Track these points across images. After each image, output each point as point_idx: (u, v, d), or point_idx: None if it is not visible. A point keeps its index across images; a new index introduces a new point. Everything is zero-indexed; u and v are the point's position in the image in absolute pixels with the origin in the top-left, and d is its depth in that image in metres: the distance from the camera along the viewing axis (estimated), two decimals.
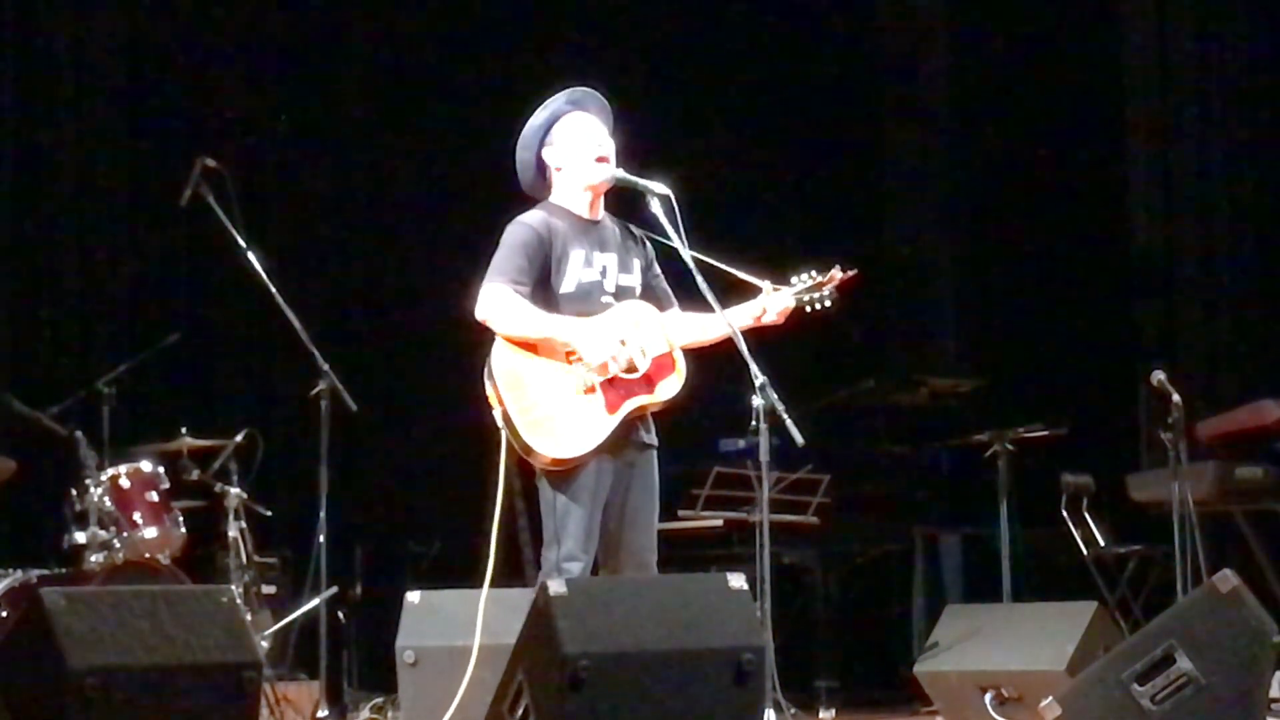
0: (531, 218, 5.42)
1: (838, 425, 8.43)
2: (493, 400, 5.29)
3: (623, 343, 5.34)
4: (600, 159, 5.44)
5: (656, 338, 5.38)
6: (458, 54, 9.72)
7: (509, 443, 5.28)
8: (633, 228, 5.56)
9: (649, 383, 5.36)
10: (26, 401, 7.54)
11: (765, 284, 5.48)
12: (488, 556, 5.41)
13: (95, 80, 8.76)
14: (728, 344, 5.34)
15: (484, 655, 5.42)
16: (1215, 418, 8.07)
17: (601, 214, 5.52)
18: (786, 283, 5.49)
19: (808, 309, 5.51)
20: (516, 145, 5.52)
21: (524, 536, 8.56)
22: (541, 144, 5.48)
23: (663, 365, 5.38)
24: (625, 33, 9.93)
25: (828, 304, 5.51)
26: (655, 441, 5.46)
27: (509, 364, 5.29)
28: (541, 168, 5.51)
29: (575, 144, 5.45)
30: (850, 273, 5.52)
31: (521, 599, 5.21)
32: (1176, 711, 5.14)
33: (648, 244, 5.56)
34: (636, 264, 5.51)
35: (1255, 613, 5.25)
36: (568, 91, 5.51)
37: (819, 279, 5.50)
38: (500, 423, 5.27)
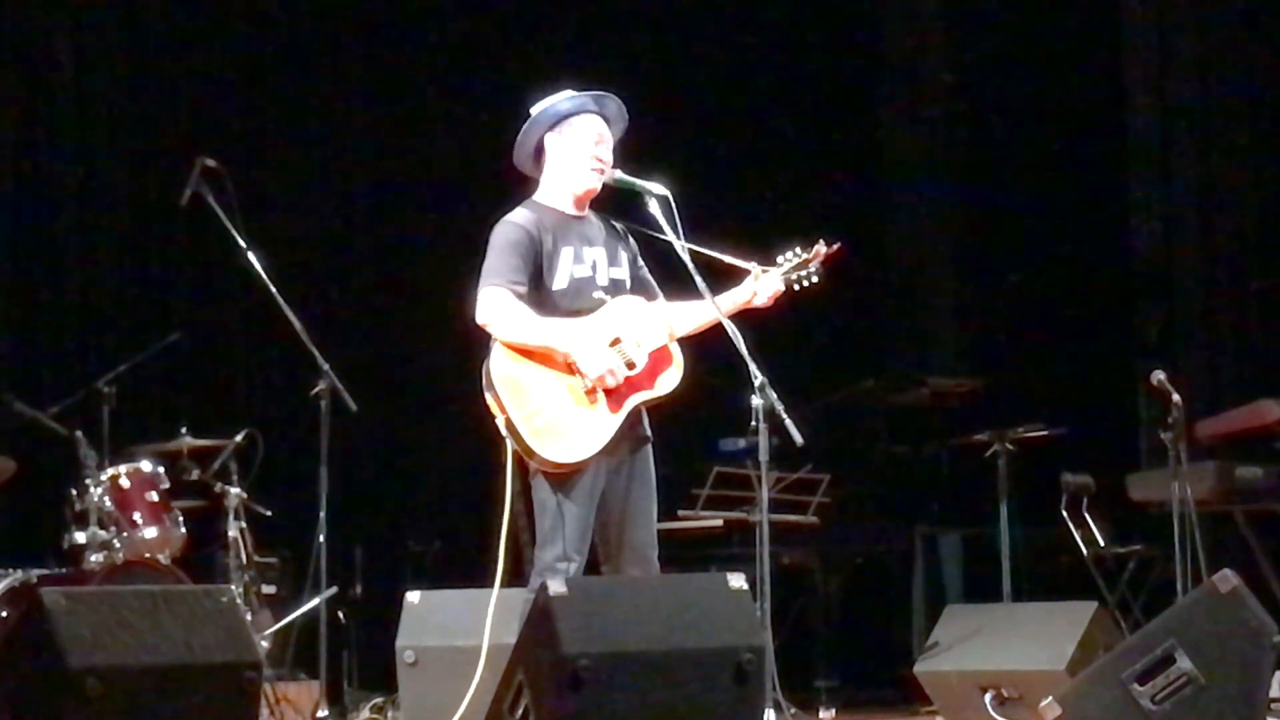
0: (519, 217, 5.42)
1: (838, 425, 8.43)
2: (494, 409, 5.28)
3: (618, 340, 5.35)
4: (596, 169, 5.44)
5: (651, 331, 5.39)
6: (457, 53, 9.72)
7: (512, 448, 5.29)
8: (614, 222, 5.57)
9: (648, 377, 5.37)
10: (26, 401, 7.54)
11: (753, 265, 5.49)
12: (497, 558, 5.40)
13: (95, 79, 8.76)
14: (727, 343, 5.34)
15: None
16: (1215, 418, 8.07)
17: (587, 210, 5.53)
18: (773, 263, 5.49)
19: (795, 287, 5.51)
20: (529, 119, 5.50)
21: (525, 537, 8.55)
22: (551, 129, 5.47)
23: (660, 358, 5.39)
24: (625, 31, 9.93)
25: (815, 280, 5.52)
26: (650, 435, 5.47)
27: (508, 371, 5.29)
28: (539, 150, 5.51)
29: (579, 146, 5.45)
30: (834, 246, 5.52)
31: (521, 599, 5.22)
32: (1176, 711, 5.14)
33: (631, 237, 5.57)
34: (624, 257, 5.53)
35: (1255, 613, 5.25)
36: (595, 94, 5.52)
37: (804, 256, 5.51)
38: (504, 431, 5.27)
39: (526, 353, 5.30)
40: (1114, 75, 9.57)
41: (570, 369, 5.29)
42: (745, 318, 5.46)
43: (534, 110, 5.51)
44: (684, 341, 5.46)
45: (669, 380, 5.39)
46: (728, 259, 5.47)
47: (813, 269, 5.51)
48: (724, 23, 10.17)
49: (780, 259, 5.51)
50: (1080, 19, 9.73)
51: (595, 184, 5.47)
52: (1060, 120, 9.78)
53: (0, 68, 8.53)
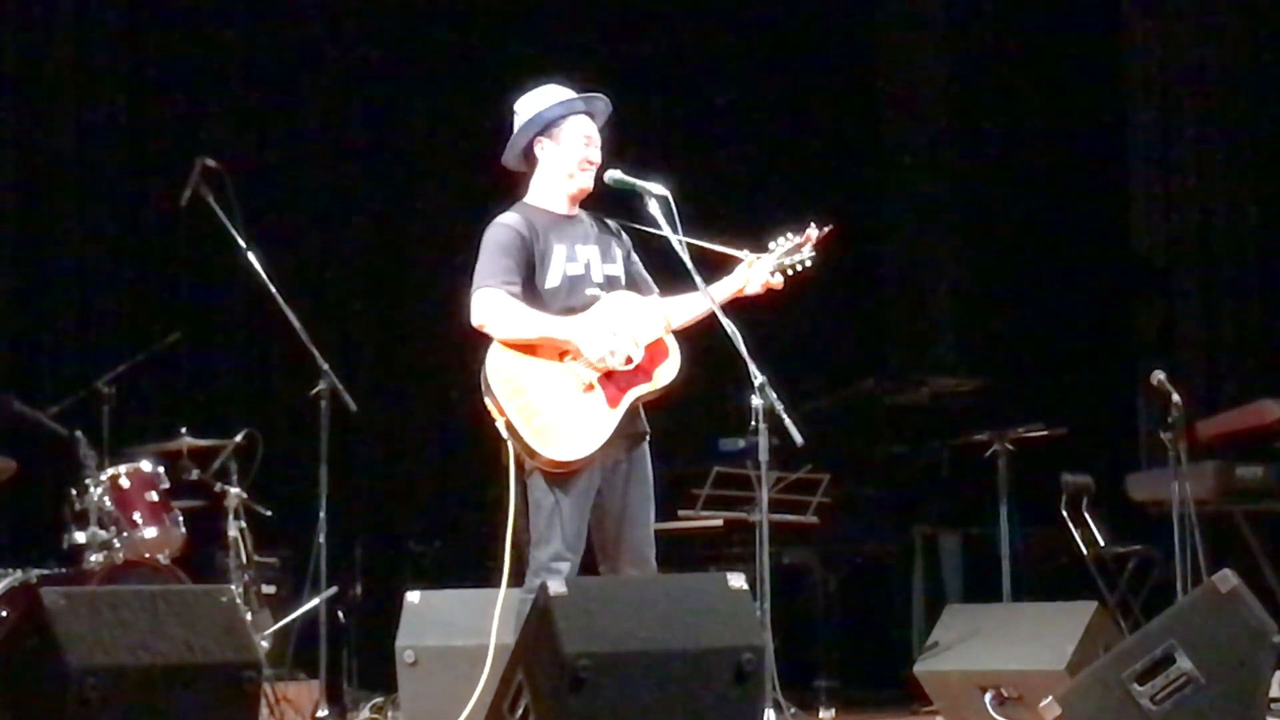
0: (510, 218, 5.42)
1: (838, 425, 8.43)
2: (494, 412, 5.27)
3: (615, 334, 5.35)
4: (586, 170, 5.45)
5: (647, 325, 5.38)
6: (456, 53, 9.72)
7: (514, 450, 5.28)
8: (605, 219, 5.57)
9: (646, 371, 5.36)
10: (26, 401, 7.54)
11: (745, 253, 5.49)
12: (503, 560, 5.39)
13: (95, 80, 8.76)
14: (727, 343, 5.34)
15: (483, 654, 5.43)
16: (1215, 418, 8.07)
17: (577, 209, 5.54)
18: (766, 249, 5.49)
19: (789, 271, 5.50)
20: (514, 114, 5.51)
21: (525, 537, 8.55)
22: (541, 133, 5.47)
23: (657, 352, 5.38)
24: (625, 30, 9.93)
25: (808, 264, 5.50)
26: (648, 430, 5.46)
27: (506, 372, 5.28)
28: (529, 152, 5.51)
29: (570, 150, 5.46)
30: (826, 228, 5.51)
31: (518, 599, 5.22)
32: (1176, 711, 5.14)
33: (623, 234, 5.58)
34: (618, 253, 5.53)
35: (1255, 613, 5.25)
36: (584, 96, 5.52)
37: (797, 240, 5.50)
38: (504, 433, 5.26)
39: (525, 351, 5.29)
40: (1114, 76, 9.57)
41: (566, 361, 5.28)
42: (745, 318, 5.45)
43: (519, 108, 5.51)
44: (683, 340, 5.45)
45: (666, 373, 5.38)
46: (720, 249, 5.47)
47: (806, 253, 5.50)
48: (724, 21, 10.17)
49: (772, 245, 5.51)
50: (1080, 19, 9.73)
51: (587, 184, 5.47)
52: (1060, 120, 9.77)
53: (1, 67, 8.53)
